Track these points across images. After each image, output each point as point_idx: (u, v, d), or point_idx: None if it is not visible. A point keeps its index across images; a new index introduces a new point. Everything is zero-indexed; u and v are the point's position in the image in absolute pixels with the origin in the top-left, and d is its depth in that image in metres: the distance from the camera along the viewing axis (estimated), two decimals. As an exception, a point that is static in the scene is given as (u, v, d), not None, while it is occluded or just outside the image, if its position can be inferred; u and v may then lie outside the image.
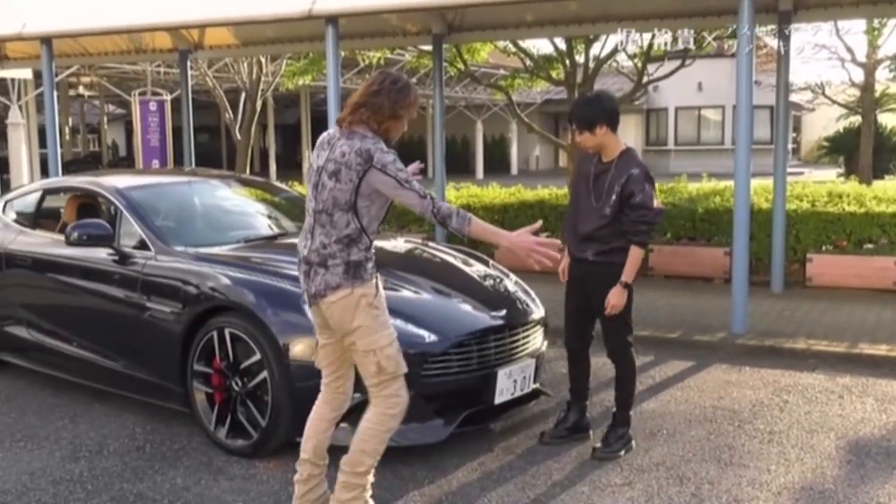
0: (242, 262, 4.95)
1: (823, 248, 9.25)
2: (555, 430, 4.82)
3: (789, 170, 13.49)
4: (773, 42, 11.53)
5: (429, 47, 11.35)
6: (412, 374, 4.34)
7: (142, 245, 5.18)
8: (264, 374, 4.41)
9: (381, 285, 3.67)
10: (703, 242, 9.87)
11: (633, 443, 4.67)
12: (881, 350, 6.55)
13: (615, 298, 4.41)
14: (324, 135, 3.72)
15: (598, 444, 4.61)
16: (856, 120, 23.16)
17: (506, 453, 4.60)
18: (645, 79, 14.11)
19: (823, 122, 31.10)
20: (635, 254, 4.41)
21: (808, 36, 44.73)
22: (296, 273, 4.75)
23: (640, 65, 13.77)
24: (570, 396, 4.88)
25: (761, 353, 6.71)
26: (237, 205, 6.45)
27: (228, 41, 12.01)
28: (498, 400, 4.63)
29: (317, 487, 3.81)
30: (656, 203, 4.44)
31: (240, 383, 4.52)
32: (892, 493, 4.11)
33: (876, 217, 9.08)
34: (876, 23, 18.08)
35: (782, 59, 9.26)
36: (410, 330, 4.43)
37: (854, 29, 20.00)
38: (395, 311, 4.50)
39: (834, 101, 23.31)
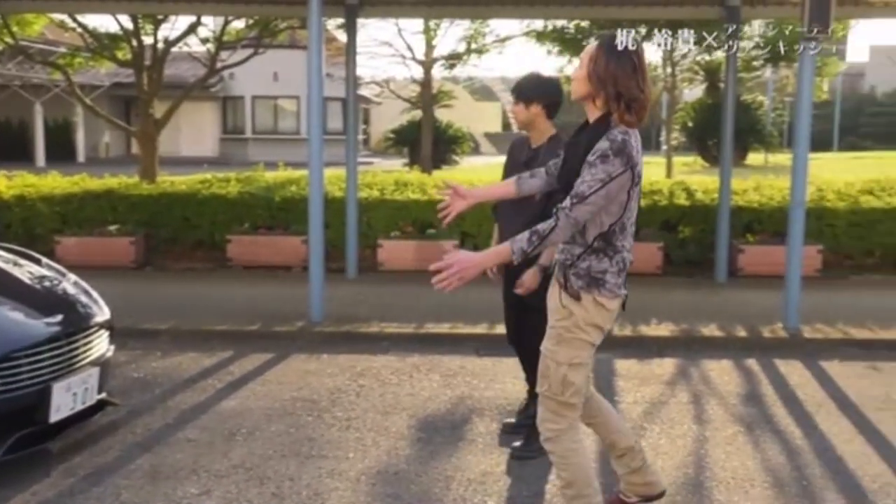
0: None
1: (392, 233, 9.77)
2: (518, 418, 4.78)
3: (360, 159, 14.13)
4: (343, 37, 11.96)
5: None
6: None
7: None
8: None
9: None
10: (281, 231, 9.89)
11: None
12: (444, 328, 7.06)
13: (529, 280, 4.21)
14: (631, 140, 3.15)
15: (517, 444, 4.47)
16: (417, 114, 25.05)
17: (66, 476, 4.09)
18: (218, 65, 13.82)
19: (391, 115, 33.20)
20: None
21: (374, 32, 47.58)
22: None
23: (212, 50, 13.45)
24: (528, 386, 4.71)
25: (338, 339, 6.86)
26: None
27: None
28: (54, 418, 4.09)
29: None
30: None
31: None
32: (458, 466, 4.38)
33: (437, 204, 9.78)
34: (433, 24, 19.71)
35: (350, 53, 9.58)
36: (-61, 347, 3.74)
37: (414, 28, 21.62)
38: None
39: (398, 96, 24.99)
